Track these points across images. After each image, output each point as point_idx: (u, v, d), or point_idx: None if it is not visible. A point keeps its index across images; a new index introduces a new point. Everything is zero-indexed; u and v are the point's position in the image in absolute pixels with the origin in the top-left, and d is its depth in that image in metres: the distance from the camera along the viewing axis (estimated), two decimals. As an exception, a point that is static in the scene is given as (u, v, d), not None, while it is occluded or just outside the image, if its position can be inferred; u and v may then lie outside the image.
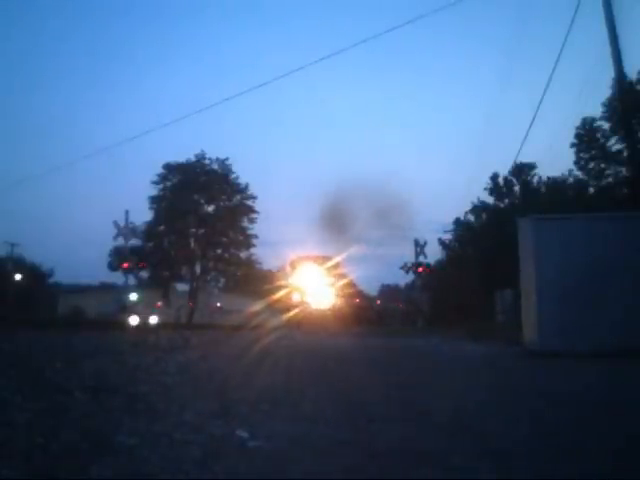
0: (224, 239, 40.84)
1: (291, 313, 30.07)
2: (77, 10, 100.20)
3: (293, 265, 34.64)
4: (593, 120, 23.57)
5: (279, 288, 33.55)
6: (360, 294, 48.09)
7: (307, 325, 27.08)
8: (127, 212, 24.31)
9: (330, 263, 32.31)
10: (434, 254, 37.41)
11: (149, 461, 2.15)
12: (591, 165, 23.86)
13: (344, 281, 35.33)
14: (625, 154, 17.13)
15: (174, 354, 5.69)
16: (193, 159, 40.89)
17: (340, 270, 34.10)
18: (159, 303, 38.75)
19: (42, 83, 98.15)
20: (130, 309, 25.44)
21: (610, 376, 6.17)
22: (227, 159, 41.33)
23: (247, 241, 41.00)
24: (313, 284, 32.80)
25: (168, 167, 40.70)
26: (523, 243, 9.70)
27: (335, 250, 34.74)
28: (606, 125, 22.93)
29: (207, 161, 41.24)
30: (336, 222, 36.48)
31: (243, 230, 40.75)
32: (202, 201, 41.17)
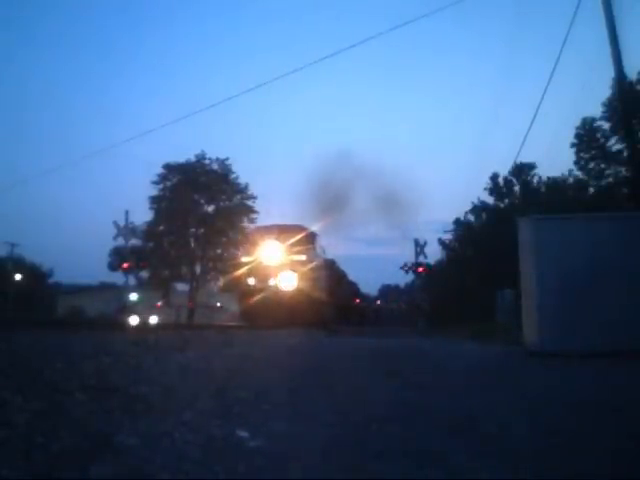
0: (224, 239, 40.87)
1: (248, 302, 22.21)
2: (79, 11, 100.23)
3: (253, 240, 25.29)
4: (593, 120, 23.60)
5: (236, 269, 25.34)
6: (345, 280, 38.41)
7: (268, 319, 19.58)
8: (127, 212, 24.35)
9: (301, 235, 22.97)
10: (434, 254, 37.48)
11: (149, 461, 2.15)
12: (591, 165, 23.89)
13: (321, 260, 25.77)
14: (625, 154, 17.11)
15: (174, 354, 5.68)
16: (193, 159, 40.96)
17: (315, 245, 24.77)
18: (159, 303, 38.75)
19: (43, 83, 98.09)
20: (130, 309, 25.46)
21: (611, 376, 6.18)
22: (227, 159, 41.42)
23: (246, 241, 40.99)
24: (278, 263, 23.02)
25: (168, 167, 40.76)
26: (523, 243, 9.69)
27: (315, 223, 25.89)
28: (606, 125, 22.95)
29: (207, 161, 41.31)
30: (332, 210, 31.03)
31: (243, 230, 40.79)
32: (202, 201, 41.23)
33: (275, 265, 22.55)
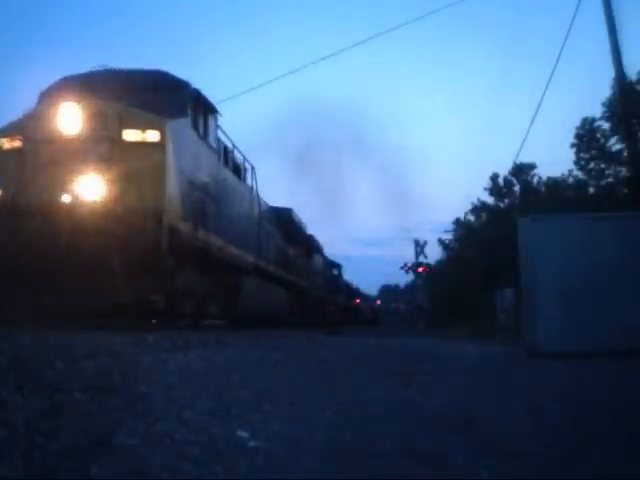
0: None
1: None
2: (81, 11, 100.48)
3: (45, 100, 9.38)
4: (593, 120, 23.55)
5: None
6: (312, 252, 24.04)
7: (38, 295, 7.34)
8: (127, 212, 24.17)
9: (154, 92, 8.73)
10: (434, 254, 37.57)
11: (149, 461, 2.15)
12: (591, 165, 23.84)
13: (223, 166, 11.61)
14: (625, 154, 17.12)
15: (174, 354, 5.68)
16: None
17: (209, 125, 10.41)
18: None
19: (42, 82, 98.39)
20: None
21: (611, 377, 6.17)
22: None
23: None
24: (84, 153, 7.85)
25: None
26: (523, 243, 9.70)
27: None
28: (606, 125, 22.91)
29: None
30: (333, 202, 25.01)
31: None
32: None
33: (75, 156, 8.41)
